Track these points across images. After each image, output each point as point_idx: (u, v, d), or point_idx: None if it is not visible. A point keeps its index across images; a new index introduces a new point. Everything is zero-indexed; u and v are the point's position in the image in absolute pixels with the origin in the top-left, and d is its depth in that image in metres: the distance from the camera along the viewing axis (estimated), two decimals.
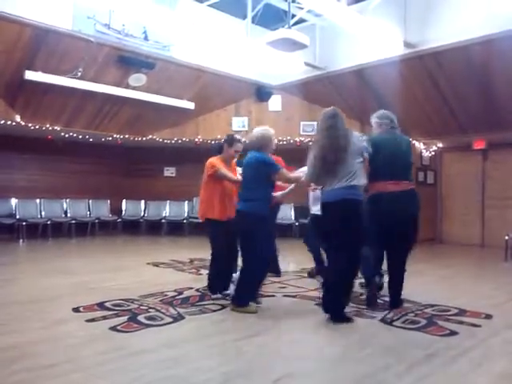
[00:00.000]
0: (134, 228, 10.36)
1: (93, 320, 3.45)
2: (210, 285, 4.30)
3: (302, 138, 9.13)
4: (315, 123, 9.14)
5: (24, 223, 8.77)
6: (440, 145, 9.53)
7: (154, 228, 10.38)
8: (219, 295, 4.20)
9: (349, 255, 3.49)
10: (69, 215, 9.65)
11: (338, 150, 3.51)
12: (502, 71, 6.53)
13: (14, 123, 7.68)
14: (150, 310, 3.77)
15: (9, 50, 6.47)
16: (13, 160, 9.19)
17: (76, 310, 3.73)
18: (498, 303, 4.24)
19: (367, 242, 3.79)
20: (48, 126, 8.14)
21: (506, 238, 7.17)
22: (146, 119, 9.02)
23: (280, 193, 4.27)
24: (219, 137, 8.19)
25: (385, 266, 4.10)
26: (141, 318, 3.53)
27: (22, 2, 6.09)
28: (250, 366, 2.66)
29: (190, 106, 8.79)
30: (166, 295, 4.31)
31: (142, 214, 10.58)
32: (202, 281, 4.73)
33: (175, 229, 10.31)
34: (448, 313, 3.80)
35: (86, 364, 2.61)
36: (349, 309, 3.86)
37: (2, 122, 7.54)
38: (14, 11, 6.00)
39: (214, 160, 4.16)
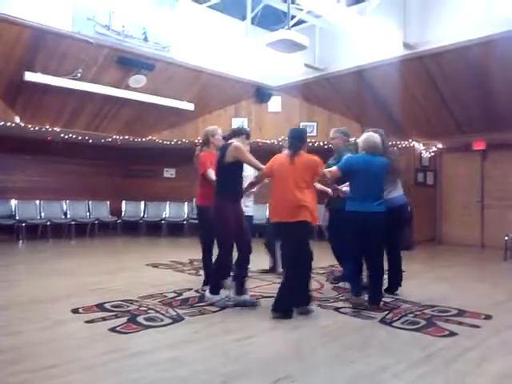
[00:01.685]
0: (133, 229, 10.34)
1: (92, 321, 3.45)
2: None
3: None
4: (315, 124, 9.21)
5: (24, 224, 8.75)
6: (439, 145, 9.53)
7: (154, 229, 10.36)
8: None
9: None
10: (68, 216, 9.63)
11: (398, 163, 4.67)
12: (502, 72, 6.53)
13: (13, 124, 7.67)
14: (150, 311, 3.78)
15: (8, 52, 6.47)
16: (12, 161, 9.17)
17: (75, 311, 3.73)
18: (498, 303, 4.25)
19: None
20: (48, 127, 8.14)
21: (506, 238, 7.18)
22: (146, 120, 9.03)
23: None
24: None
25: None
26: (140, 319, 3.54)
27: (21, 4, 6.10)
28: (250, 366, 2.66)
29: (190, 107, 8.79)
30: (165, 296, 4.31)
31: (142, 214, 10.57)
32: (201, 282, 4.72)
33: (175, 230, 10.30)
34: (448, 313, 3.80)
35: (86, 365, 2.61)
36: (348, 309, 3.88)
37: (2, 123, 7.52)
38: (13, 12, 6.00)
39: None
